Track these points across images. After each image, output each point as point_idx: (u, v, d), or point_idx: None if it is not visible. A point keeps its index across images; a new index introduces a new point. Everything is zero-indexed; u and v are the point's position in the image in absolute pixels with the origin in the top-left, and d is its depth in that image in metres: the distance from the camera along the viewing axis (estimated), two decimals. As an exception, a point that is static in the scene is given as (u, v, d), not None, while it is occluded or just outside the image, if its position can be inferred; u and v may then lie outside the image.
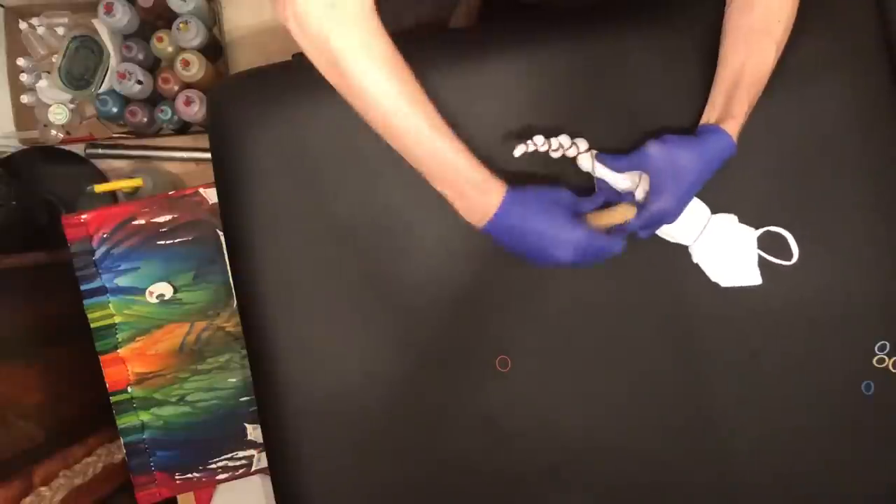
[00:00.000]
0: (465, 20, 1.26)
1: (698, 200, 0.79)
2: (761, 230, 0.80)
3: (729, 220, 0.80)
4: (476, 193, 0.67)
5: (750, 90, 0.72)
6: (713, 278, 0.80)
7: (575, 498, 0.84)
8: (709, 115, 0.74)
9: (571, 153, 0.75)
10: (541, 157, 0.76)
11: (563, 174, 0.78)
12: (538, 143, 0.74)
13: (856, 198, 0.80)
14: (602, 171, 0.75)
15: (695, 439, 0.83)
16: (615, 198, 0.76)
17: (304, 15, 0.60)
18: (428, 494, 0.86)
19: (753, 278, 0.80)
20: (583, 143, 0.76)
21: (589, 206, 0.73)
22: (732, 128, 0.72)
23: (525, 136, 0.75)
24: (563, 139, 0.75)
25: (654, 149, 0.71)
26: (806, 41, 0.79)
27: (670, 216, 0.72)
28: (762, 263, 0.80)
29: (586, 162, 0.75)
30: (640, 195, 0.74)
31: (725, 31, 0.75)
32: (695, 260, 0.80)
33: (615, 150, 0.75)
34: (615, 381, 0.83)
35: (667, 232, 0.79)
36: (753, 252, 0.80)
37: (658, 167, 0.71)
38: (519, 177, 0.73)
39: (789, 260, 0.80)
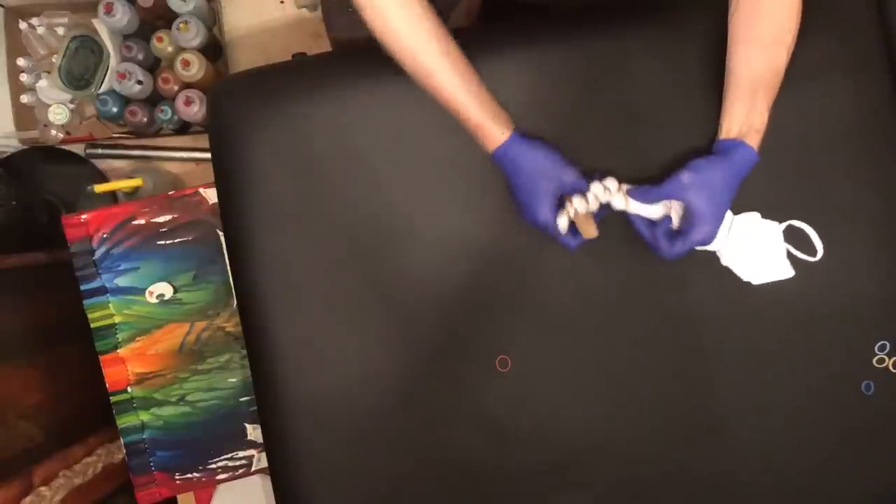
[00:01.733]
0: (465, 20, 1.26)
1: None
2: (785, 224, 0.80)
3: (752, 218, 0.80)
4: (484, 131, 0.74)
5: (767, 100, 0.72)
6: (745, 278, 0.80)
7: (575, 497, 0.84)
8: (730, 128, 0.73)
9: (605, 199, 0.75)
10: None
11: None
12: (577, 204, 0.74)
13: (856, 198, 0.80)
14: (636, 207, 0.75)
15: (695, 438, 0.83)
16: (648, 230, 0.76)
17: None
18: (428, 494, 0.86)
19: (785, 272, 0.79)
20: (612, 184, 0.75)
21: (569, 186, 0.74)
22: (755, 140, 0.72)
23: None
24: (596, 188, 0.74)
25: (687, 177, 0.72)
26: (809, 41, 0.79)
27: (710, 240, 0.73)
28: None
29: (619, 202, 0.75)
30: (676, 222, 0.75)
31: (734, 40, 0.74)
32: (724, 262, 0.80)
33: (617, 151, 0.76)
34: (615, 380, 0.83)
35: None
36: (781, 245, 0.79)
37: (695, 196, 0.72)
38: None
39: (814, 255, 0.79)
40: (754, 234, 0.79)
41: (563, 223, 0.75)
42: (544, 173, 0.74)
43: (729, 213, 0.79)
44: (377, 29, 0.72)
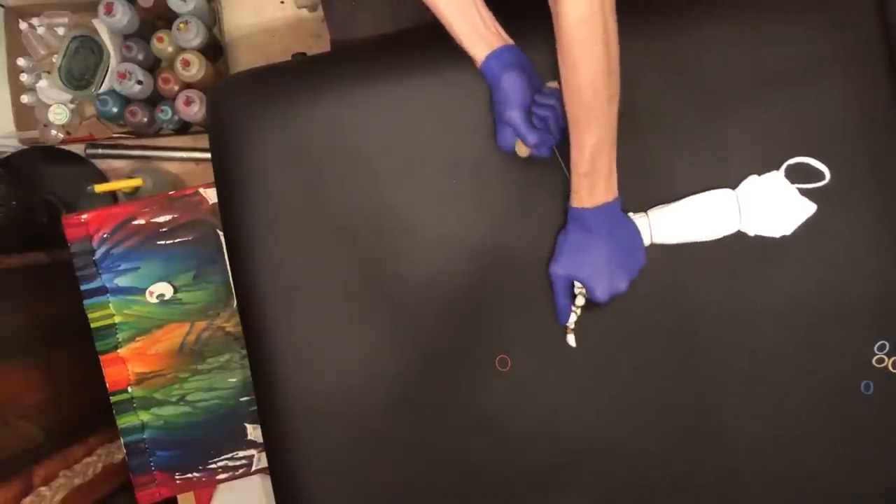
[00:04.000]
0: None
1: (718, 191, 0.80)
2: (783, 168, 0.80)
3: (752, 181, 0.80)
4: (467, 51, 0.77)
5: (579, 162, 0.73)
6: (777, 236, 0.81)
7: (574, 497, 0.84)
8: (572, 192, 0.76)
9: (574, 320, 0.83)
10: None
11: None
12: (580, 303, 0.82)
13: (855, 197, 0.80)
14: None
15: (694, 439, 0.83)
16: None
17: None
18: (427, 493, 0.86)
19: (807, 209, 0.80)
20: (581, 300, 0.82)
21: (511, 122, 0.76)
22: (577, 200, 0.75)
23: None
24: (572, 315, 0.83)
25: (554, 259, 0.80)
26: (808, 37, 0.79)
27: (612, 290, 0.77)
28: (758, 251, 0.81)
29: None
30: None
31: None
32: (751, 234, 0.81)
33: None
34: (614, 380, 0.83)
35: (712, 233, 0.80)
36: (790, 188, 0.80)
37: (574, 273, 0.78)
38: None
39: (823, 179, 0.80)
40: (762, 193, 0.80)
41: (571, 340, 0.82)
42: (499, 101, 0.76)
43: (730, 193, 0.80)
44: None
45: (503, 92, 0.75)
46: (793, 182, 0.80)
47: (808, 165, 0.80)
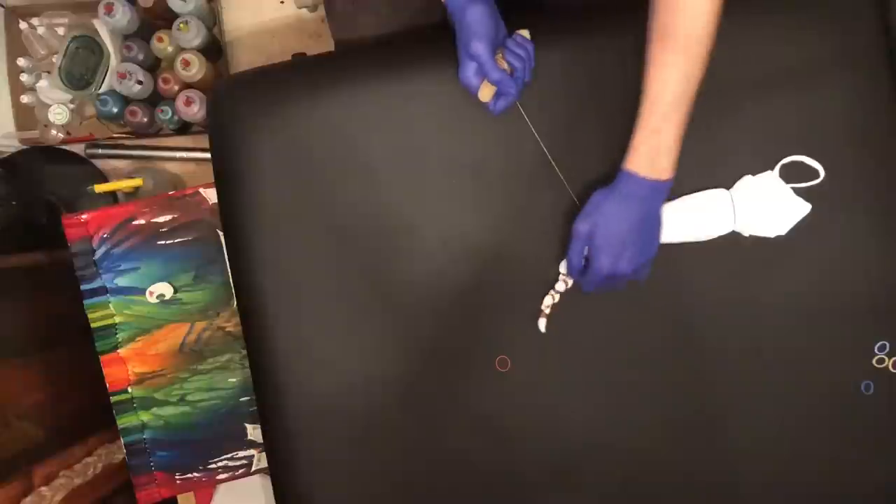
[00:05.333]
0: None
1: (713, 190, 0.80)
2: (777, 167, 0.80)
3: (747, 181, 0.80)
4: None
5: (650, 116, 0.71)
6: (772, 236, 0.80)
7: (574, 497, 0.84)
8: (629, 157, 0.73)
9: (562, 288, 0.82)
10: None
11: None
12: (560, 288, 0.81)
13: (855, 198, 0.80)
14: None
15: (695, 439, 0.83)
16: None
17: None
18: (427, 494, 0.86)
19: (802, 208, 0.80)
20: (563, 267, 0.81)
21: (476, 57, 0.73)
22: (635, 162, 0.72)
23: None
24: (558, 285, 0.82)
25: (583, 212, 0.75)
26: (808, 37, 0.79)
27: (616, 269, 0.75)
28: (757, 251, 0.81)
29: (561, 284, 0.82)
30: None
31: (648, 60, 0.72)
32: (746, 234, 0.80)
33: (615, 149, 0.76)
34: (614, 380, 0.83)
35: (707, 233, 0.80)
36: (785, 188, 0.80)
37: (586, 228, 0.75)
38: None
39: (817, 178, 0.79)
40: (757, 193, 0.80)
41: (542, 325, 0.81)
42: (465, 34, 0.73)
43: (725, 193, 0.80)
44: None
45: (468, 25, 0.72)
46: (788, 181, 0.80)
47: (802, 164, 0.80)
